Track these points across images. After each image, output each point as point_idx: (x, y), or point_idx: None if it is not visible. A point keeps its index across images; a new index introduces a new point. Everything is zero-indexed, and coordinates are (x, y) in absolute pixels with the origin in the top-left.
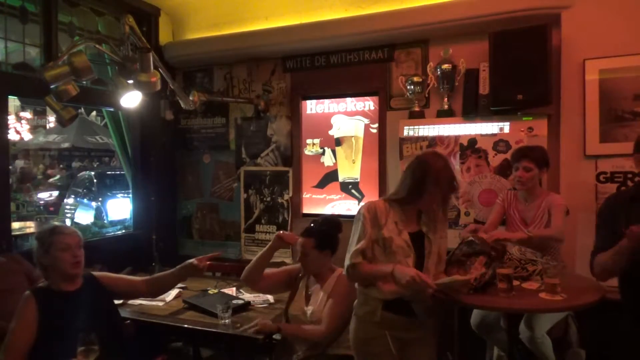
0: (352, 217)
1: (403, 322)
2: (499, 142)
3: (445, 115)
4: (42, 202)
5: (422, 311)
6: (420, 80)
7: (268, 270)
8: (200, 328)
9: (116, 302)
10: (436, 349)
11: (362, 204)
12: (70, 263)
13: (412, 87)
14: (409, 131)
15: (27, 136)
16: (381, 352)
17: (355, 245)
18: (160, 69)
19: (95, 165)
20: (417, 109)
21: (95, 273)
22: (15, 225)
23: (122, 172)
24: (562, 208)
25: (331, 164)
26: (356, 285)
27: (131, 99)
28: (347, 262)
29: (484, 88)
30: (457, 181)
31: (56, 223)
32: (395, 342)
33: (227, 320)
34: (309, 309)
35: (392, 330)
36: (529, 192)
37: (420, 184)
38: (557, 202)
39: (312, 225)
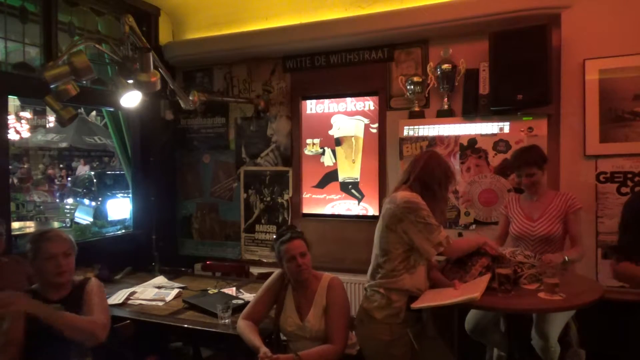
0: (351, 217)
1: (419, 316)
2: (499, 142)
3: (445, 115)
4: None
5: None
6: (420, 80)
7: (255, 310)
8: (200, 328)
9: (115, 302)
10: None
11: (403, 197)
12: (53, 273)
13: (412, 87)
14: (409, 131)
15: (27, 135)
16: (404, 353)
17: (434, 222)
18: (160, 69)
19: (94, 165)
20: (417, 109)
21: (89, 284)
22: (15, 225)
23: (122, 172)
24: (581, 215)
25: (331, 164)
26: (378, 282)
27: (131, 99)
28: (442, 235)
29: (484, 88)
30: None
31: (50, 227)
32: (415, 339)
33: (227, 320)
34: (306, 324)
35: (413, 328)
36: (535, 190)
37: (440, 184)
38: (576, 206)
39: (287, 232)
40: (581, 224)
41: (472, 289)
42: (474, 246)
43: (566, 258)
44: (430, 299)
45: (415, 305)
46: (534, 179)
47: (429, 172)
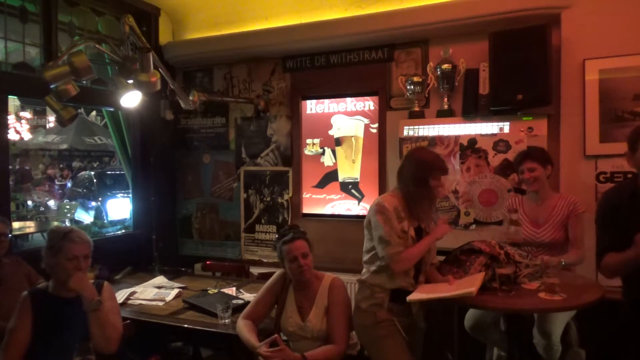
0: (351, 217)
1: (407, 309)
2: (499, 142)
3: (445, 115)
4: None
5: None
6: (420, 80)
7: (255, 309)
8: (200, 328)
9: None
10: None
11: (378, 199)
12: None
13: (412, 87)
14: (409, 131)
15: (27, 136)
16: (389, 334)
17: (387, 237)
18: (160, 69)
19: (95, 165)
20: (417, 109)
21: (104, 288)
22: (15, 225)
23: (122, 172)
24: (583, 218)
25: (331, 164)
26: (364, 277)
27: (131, 99)
28: (388, 251)
29: (484, 88)
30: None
31: (72, 227)
32: (404, 330)
33: (227, 320)
34: (308, 324)
35: (398, 317)
36: (539, 193)
37: (425, 181)
38: (579, 209)
39: (289, 232)
40: (584, 227)
41: (468, 284)
42: (424, 250)
43: (562, 262)
44: (426, 293)
45: (411, 298)
46: (535, 174)
47: (404, 172)
